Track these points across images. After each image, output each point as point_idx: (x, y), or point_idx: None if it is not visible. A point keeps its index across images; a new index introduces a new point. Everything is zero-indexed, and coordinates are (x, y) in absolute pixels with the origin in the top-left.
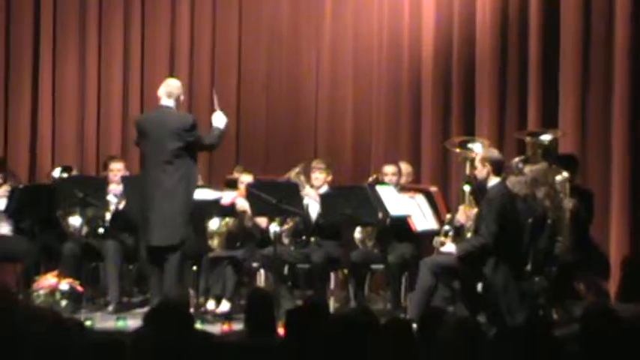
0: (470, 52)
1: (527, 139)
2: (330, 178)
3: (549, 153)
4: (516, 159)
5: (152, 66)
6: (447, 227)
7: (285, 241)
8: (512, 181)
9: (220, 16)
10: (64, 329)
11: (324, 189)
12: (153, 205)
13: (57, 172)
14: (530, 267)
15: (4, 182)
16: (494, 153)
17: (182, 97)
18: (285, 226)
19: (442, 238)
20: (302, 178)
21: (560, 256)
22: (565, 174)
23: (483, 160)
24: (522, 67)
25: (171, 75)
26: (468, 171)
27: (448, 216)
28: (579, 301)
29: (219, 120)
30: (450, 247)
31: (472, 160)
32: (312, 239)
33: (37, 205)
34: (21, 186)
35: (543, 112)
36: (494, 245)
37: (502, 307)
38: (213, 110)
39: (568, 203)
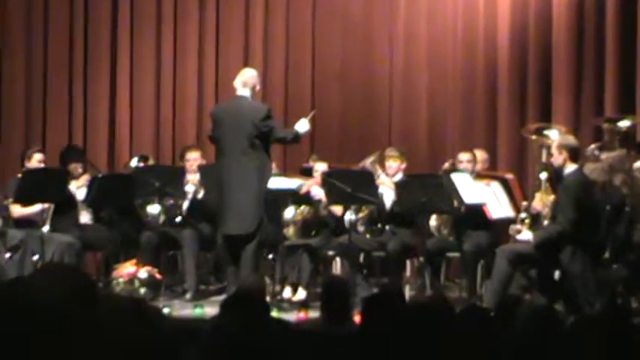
0: (546, 38)
1: (605, 125)
2: (404, 165)
3: (627, 139)
4: (593, 146)
5: (226, 56)
6: (523, 215)
7: (360, 229)
8: (589, 168)
9: (294, 6)
10: (144, 317)
11: (399, 177)
12: (228, 195)
13: (134, 162)
14: (608, 254)
15: (84, 172)
16: (571, 140)
17: (258, 87)
18: (360, 214)
19: (518, 226)
20: (377, 166)
21: (639, 243)
22: None
23: (560, 146)
24: (599, 52)
25: (246, 65)
26: (544, 158)
27: (524, 203)
28: None
29: (302, 126)
30: (526, 234)
31: (548, 147)
32: (387, 227)
33: (115, 195)
34: (100, 175)
35: (621, 98)
36: (572, 233)
37: (580, 295)
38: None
39: None
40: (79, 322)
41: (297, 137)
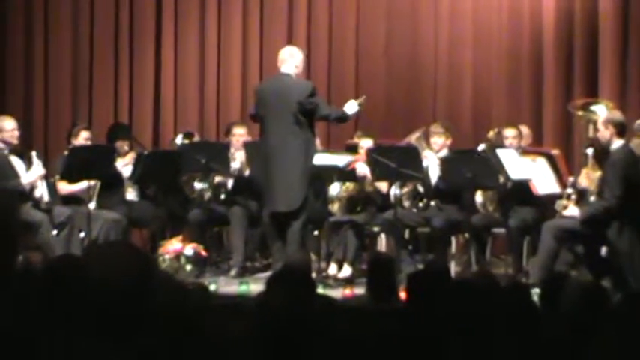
0: (592, 12)
1: None
2: (449, 141)
3: None
4: (639, 121)
5: (270, 34)
6: (569, 190)
7: (406, 204)
8: (635, 144)
9: None
10: (188, 293)
11: (444, 153)
12: (274, 172)
13: (179, 139)
14: None
15: (131, 150)
16: (617, 115)
17: (301, 64)
18: (405, 189)
19: (565, 202)
20: (422, 142)
21: None
22: None
23: (606, 122)
24: None
25: (289, 42)
26: (590, 134)
27: (571, 179)
28: None
29: (350, 107)
30: (572, 210)
31: (595, 123)
32: (433, 203)
33: (161, 172)
34: (146, 153)
35: None
36: (618, 209)
37: (627, 271)
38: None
39: None
40: (137, 300)
41: (343, 117)
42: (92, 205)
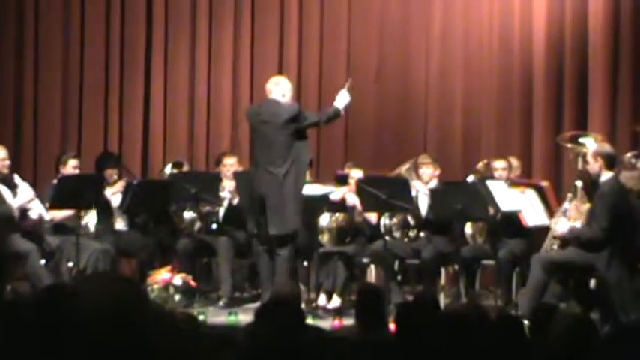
0: (582, 45)
1: None
2: (438, 172)
3: None
4: (629, 154)
5: (261, 63)
6: (566, 205)
7: (397, 234)
8: (625, 176)
9: (329, 10)
10: (177, 323)
11: (433, 183)
12: (264, 196)
13: (168, 169)
14: None
15: (120, 179)
16: (607, 147)
17: (288, 92)
18: (395, 220)
19: (559, 217)
20: (412, 174)
21: None
22: None
23: (595, 154)
24: (636, 59)
25: (280, 71)
26: (580, 166)
27: (569, 195)
28: None
29: (341, 99)
30: (563, 224)
31: (584, 155)
32: (422, 234)
33: (151, 201)
34: (135, 182)
35: None
36: (604, 240)
37: (616, 304)
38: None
39: None
40: (126, 330)
41: (335, 114)
42: (92, 225)
